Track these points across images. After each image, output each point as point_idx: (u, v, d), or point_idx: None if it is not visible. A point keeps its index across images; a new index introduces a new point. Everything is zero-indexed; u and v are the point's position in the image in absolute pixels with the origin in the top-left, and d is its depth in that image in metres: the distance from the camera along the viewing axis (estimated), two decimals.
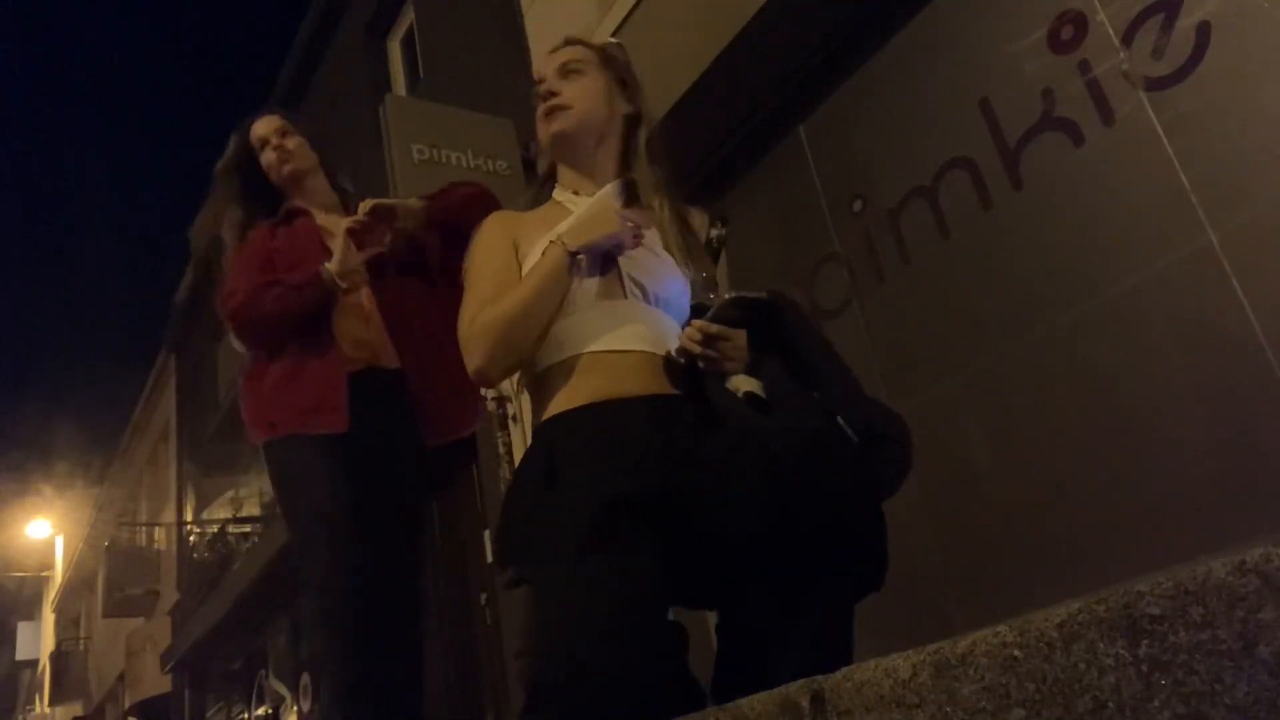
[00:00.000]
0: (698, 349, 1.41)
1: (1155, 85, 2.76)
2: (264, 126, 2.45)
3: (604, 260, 1.49)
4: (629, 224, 1.46)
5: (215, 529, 12.43)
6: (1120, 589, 0.66)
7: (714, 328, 1.41)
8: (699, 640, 1.35)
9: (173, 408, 14.87)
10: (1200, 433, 2.63)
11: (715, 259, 1.61)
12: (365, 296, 2.27)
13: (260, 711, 11.22)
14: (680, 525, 1.32)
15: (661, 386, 1.44)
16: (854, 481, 1.28)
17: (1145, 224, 2.78)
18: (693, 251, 1.57)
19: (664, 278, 1.53)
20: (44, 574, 24.69)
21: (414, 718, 2.13)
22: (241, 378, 2.33)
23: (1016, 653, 0.69)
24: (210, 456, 12.38)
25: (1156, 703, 0.62)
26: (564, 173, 1.65)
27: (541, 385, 1.51)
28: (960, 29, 3.40)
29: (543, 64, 1.66)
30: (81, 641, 21.51)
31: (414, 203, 2.32)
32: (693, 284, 1.56)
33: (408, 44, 8.38)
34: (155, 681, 14.35)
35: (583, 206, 1.56)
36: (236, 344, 2.29)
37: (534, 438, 1.49)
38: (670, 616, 1.31)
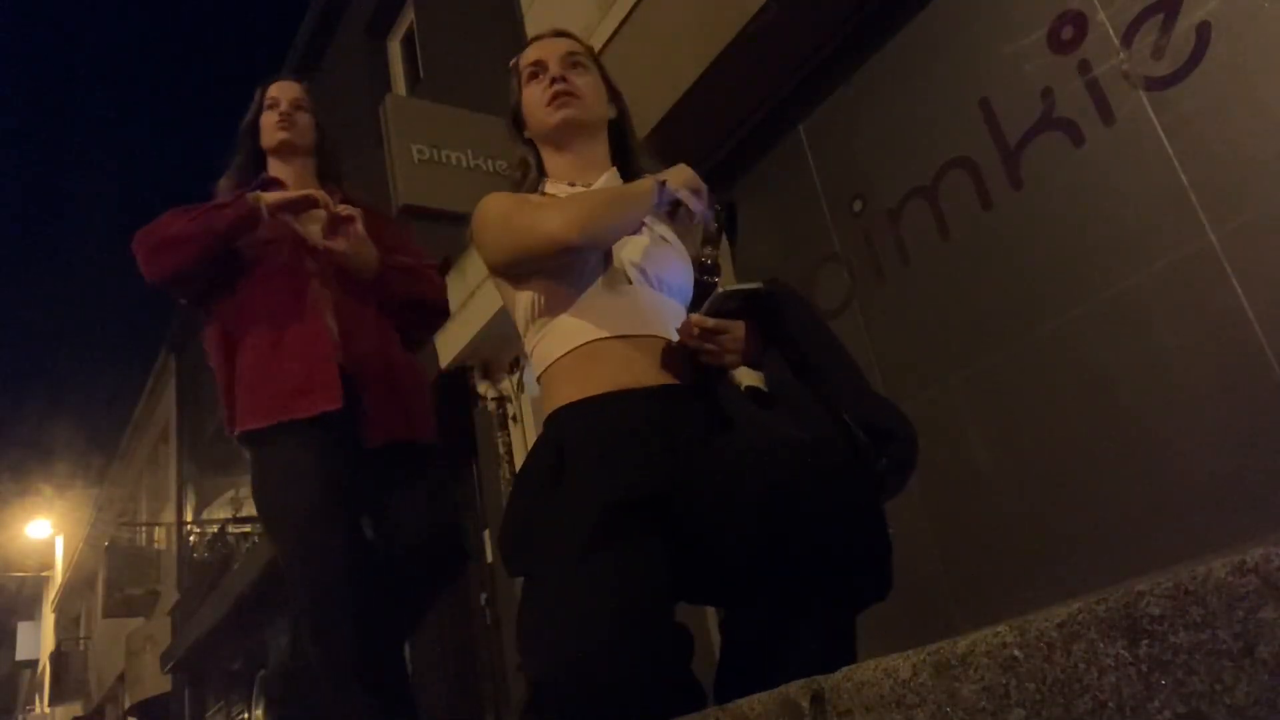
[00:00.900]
0: (695, 343, 1.41)
1: (1155, 85, 2.76)
2: (281, 90, 2.37)
3: (604, 252, 1.50)
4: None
5: (215, 529, 12.43)
6: (1120, 589, 0.66)
7: (710, 321, 1.41)
8: (701, 641, 1.35)
9: (173, 408, 14.87)
10: (1200, 433, 2.63)
11: (714, 244, 1.60)
12: (323, 294, 2.20)
13: (260, 711, 11.22)
14: (685, 522, 1.32)
15: (671, 376, 1.43)
16: (854, 493, 1.27)
17: (1145, 224, 2.78)
18: (692, 235, 1.59)
19: (667, 263, 1.53)
20: (44, 574, 24.70)
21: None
22: (211, 358, 2.22)
23: (1016, 653, 0.69)
24: (210, 456, 12.38)
25: (1156, 703, 0.62)
26: (557, 163, 1.62)
27: (552, 376, 1.49)
28: (960, 29, 3.40)
29: (541, 51, 1.64)
30: (81, 641, 21.51)
31: (371, 262, 2.24)
32: (695, 263, 1.56)
33: (408, 44, 8.38)
34: (155, 681, 14.35)
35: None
36: (147, 277, 2.12)
37: (544, 427, 1.48)
38: (676, 618, 1.31)
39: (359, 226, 2.17)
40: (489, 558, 6.27)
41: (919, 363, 3.48)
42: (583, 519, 1.28)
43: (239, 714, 12.14)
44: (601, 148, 1.63)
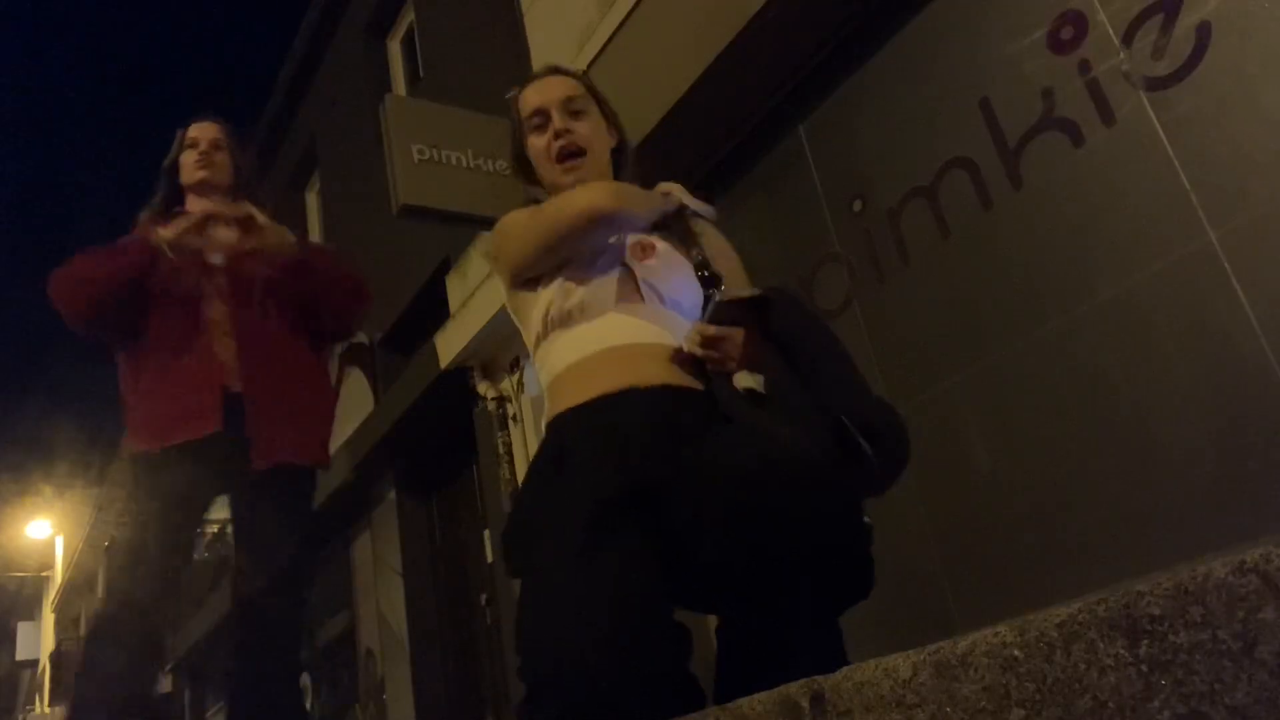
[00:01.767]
0: (699, 351, 1.44)
1: (1155, 85, 2.76)
2: (200, 130, 2.46)
3: (621, 268, 1.54)
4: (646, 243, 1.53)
5: (215, 529, 12.42)
6: (1120, 589, 0.66)
7: (711, 329, 1.45)
8: (701, 641, 1.34)
9: None
10: (1200, 433, 2.63)
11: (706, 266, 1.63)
12: (224, 315, 2.26)
13: None
14: (675, 519, 1.33)
15: (676, 377, 1.45)
16: (832, 494, 1.32)
17: (1145, 224, 2.78)
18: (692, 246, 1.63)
19: (676, 282, 1.56)
20: (44, 574, 24.69)
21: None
22: (121, 388, 2.28)
23: (1016, 653, 0.69)
24: None
25: (1156, 703, 0.62)
26: None
27: (560, 382, 1.52)
28: (960, 29, 3.40)
29: (542, 97, 1.64)
30: (81, 642, 21.49)
31: (288, 240, 2.40)
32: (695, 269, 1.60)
33: (408, 44, 8.38)
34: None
35: None
36: (66, 322, 2.21)
37: (547, 432, 1.51)
38: (675, 618, 1.31)
39: (259, 217, 2.34)
40: (489, 558, 6.27)
41: (919, 363, 3.48)
42: (576, 515, 1.29)
43: None
44: (606, 177, 1.66)
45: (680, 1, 4.18)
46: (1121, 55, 2.85)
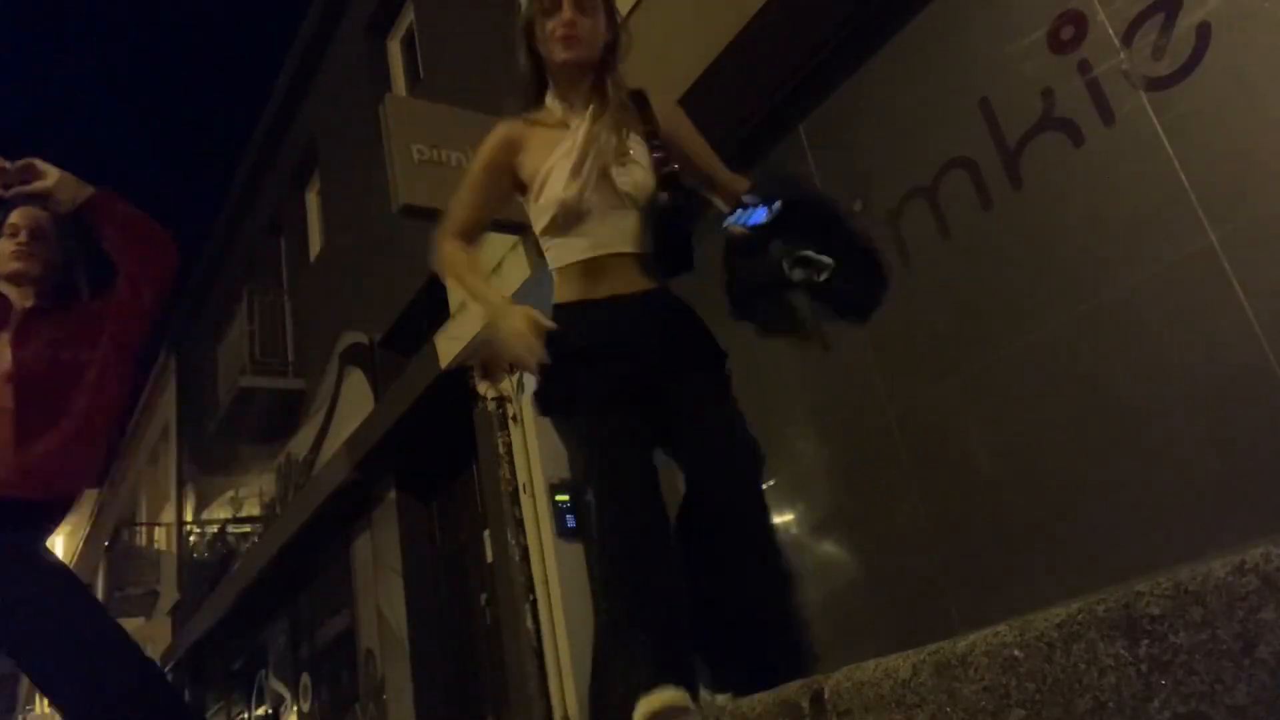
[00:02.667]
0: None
1: (1155, 85, 2.76)
2: (22, 216, 2.34)
3: (600, 176, 1.87)
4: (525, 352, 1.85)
5: (215, 529, 12.43)
6: (1120, 589, 0.66)
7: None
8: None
9: (173, 408, 14.87)
10: (1200, 433, 2.63)
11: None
12: None
13: (260, 711, 11.22)
14: (656, 388, 1.85)
15: (645, 284, 1.89)
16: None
17: (1145, 224, 2.78)
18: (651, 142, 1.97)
19: (645, 184, 1.90)
20: None
21: None
22: None
23: (1016, 653, 0.69)
24: (210, 456, 12.39)
25: (1156, 703, 0.62)
26: (558, 89, 1.98)
27: (563, 277, 1.92)
28: (960, 29, 3.40)
29: None
30: None
31: (77, 188, 2.19)
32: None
33: (408, 44, 8.38)
34: None
35: (575, 124, 1.92)
36: None
37: (554, 315, 1.87)
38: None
39: (38, 164, 2.17)
40: (489, 558, 6.27)
41: (919, 363, 3.48)
42: (590, 394, 1.80)
43: (239, 714, 12.14)
44: (590, 77, 1.95)
45: (680, 1, 4.18)
46: (1121, 55, 2.85)
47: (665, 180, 1.90)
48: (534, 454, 5.58)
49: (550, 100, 1.98)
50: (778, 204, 1.87)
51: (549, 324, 1.82)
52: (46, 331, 2.24)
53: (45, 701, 22.60)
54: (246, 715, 11.75)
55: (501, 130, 1.97)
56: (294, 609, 10.18)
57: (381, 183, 5.15)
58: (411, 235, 6.78)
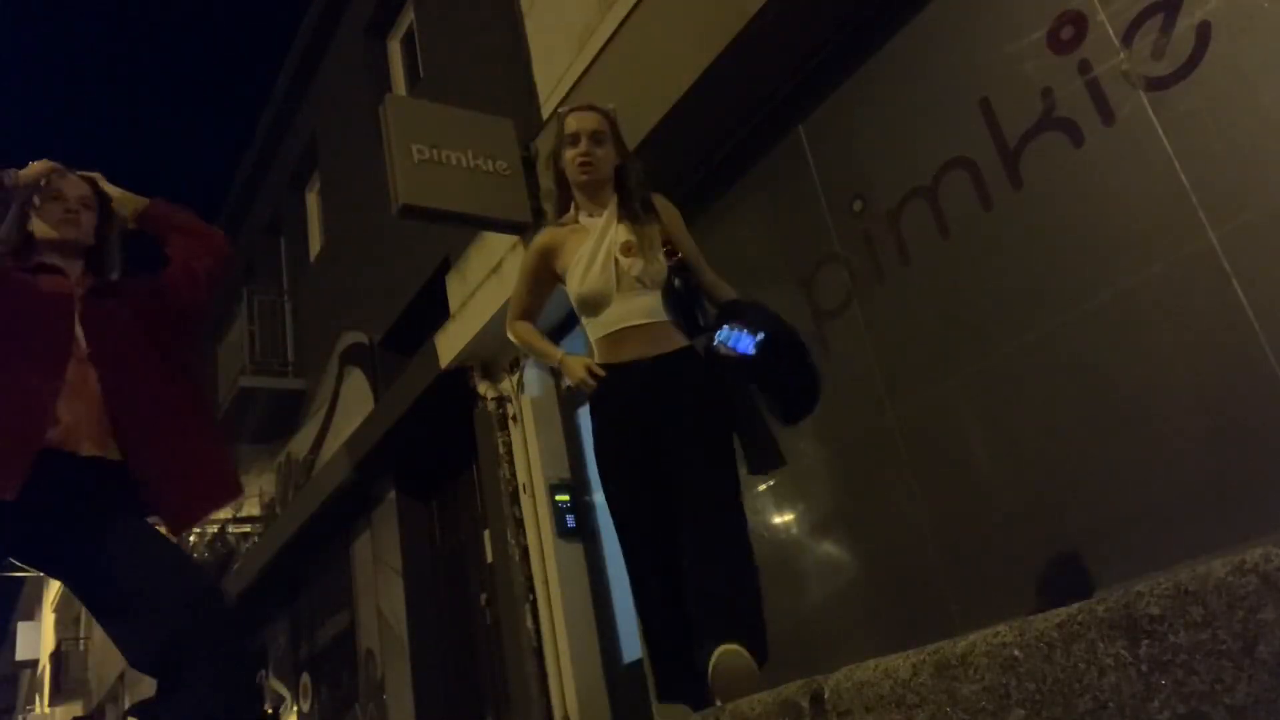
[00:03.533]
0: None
1: (1155, 85, 2.76)
2: (71, 186, 2.28)
3: (617, 267, 2.34)
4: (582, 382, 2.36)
5: (215, 529, 12.43)
6: (1120, 589, 0.66)
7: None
8: None
9: None
10: (1200, 433, 2.63)
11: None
12: (75, 372, 2.05)
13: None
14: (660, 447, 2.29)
15: (663, 347, 2.32)
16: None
17: (1145, 224, 2.78)
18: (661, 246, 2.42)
19: (655, 271, 2.36)
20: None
21: None
22: None
23: (1016, 653, 0.69)
24: None
25: (1156, 703, 0.62)
26: (581, 202, 2.49)
27: (594, 348, 2.40)
28: (960, 29, 3.40)
29: (579, 124, 2.45)
30: (81, 641, 21.50)
31: (135, 200, 2.30)
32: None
33: (408, 44, 8.38)
34: (155, 682, 14.32)
35: (595, 228, 2.42)
36: None
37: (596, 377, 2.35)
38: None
39: (104, 184, 2.25)
40: (489, 558, 6.27)
41: (919, 363, 3.48)
42: (612, 456, 2.34)
43: None
44: (608, 187, 2.48)
45: (680, 2, 4.18)
46: (1121, 55, 2.85)
47: (677, 266, 2.37)
48: (534, 454, 5.58)
49: (574, 210, 2.49)
50: (761, 337, 2.27)
51: (598, 369, 2.31)
52: (111, 308, 2.20)
53: (45, 701, 22.60)
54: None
55: (539, 240, 2.50)
56: (294, 609, 10.18)
57: (381, 183, 5.15)
58: (411, 235, 6.80)
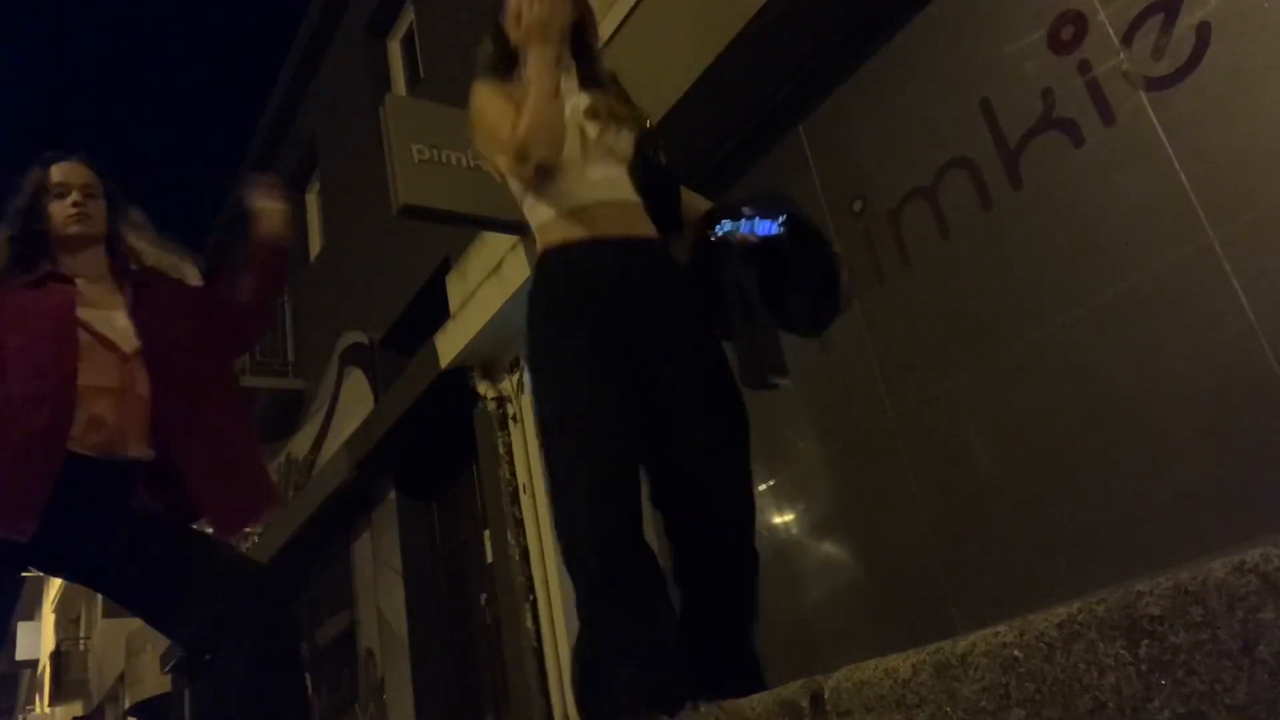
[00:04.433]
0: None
1: (1155, 85, 2.76)
2: (70, 173, 2.14)
3: (581, 134, 1.92)
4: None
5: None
6: (1120, 589, 0.66)
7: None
8: None
9: None
10: (1200, 433, 2.63)
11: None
12: (120, 375, 2.00)
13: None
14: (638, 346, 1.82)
15: (639, 230, 1.91)
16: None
17: (1145, 224, 2.78)
18: (633, 112, 2.07)
19: (624, 145, 1.97)
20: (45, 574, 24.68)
21: None
22: None
23: (1016, 653, 0.69)
24: None
25: (1156, 703, 0.62)
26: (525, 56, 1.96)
27: (545, 228, 1.93)
28: (960, 29, 3.39)
29: None
30: (81, 641, 21.51)
31: (286, 229, 2.32)
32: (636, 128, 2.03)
33: (408, 44, 8.38)
34: (155, 681, 14.34)
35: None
36: None
37: (540, 262, 1.92)
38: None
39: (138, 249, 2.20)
40: (489, 558, 6.27)
41: (919, 363, 3.47)
42: (573, 343, 1.78)
43: None
44: (560, 46, 1.95)
45: (680, 2, 4.18)
46: (1121, 55, 2.85)
47: (648, 137, 2.01)
48: (534, 454, 5.57)
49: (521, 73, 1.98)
50: (784, 218, 1.89)
51: None
52: (161, 301, 2.14)
53: (45, 701, 22.59)
54: None
55: (490, 84, 2.03)
56: (294, 609, 10.18)
57: (381, 183, 5.15)
58: (411, 235, 6.80)
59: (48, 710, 22.64)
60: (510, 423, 5.79)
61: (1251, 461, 2.49)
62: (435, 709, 7.02)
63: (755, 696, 0.92)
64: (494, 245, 5.55)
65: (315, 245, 10.14)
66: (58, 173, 2.14)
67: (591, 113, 1.96)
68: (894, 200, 3.57)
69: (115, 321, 2.05)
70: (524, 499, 5.56)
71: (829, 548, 3.84)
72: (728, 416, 1.83)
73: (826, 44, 3.88)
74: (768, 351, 1.81)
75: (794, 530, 3.99)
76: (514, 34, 1.95)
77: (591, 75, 2.05)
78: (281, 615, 2.05)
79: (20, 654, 26.67)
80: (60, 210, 2.11)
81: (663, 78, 4.13)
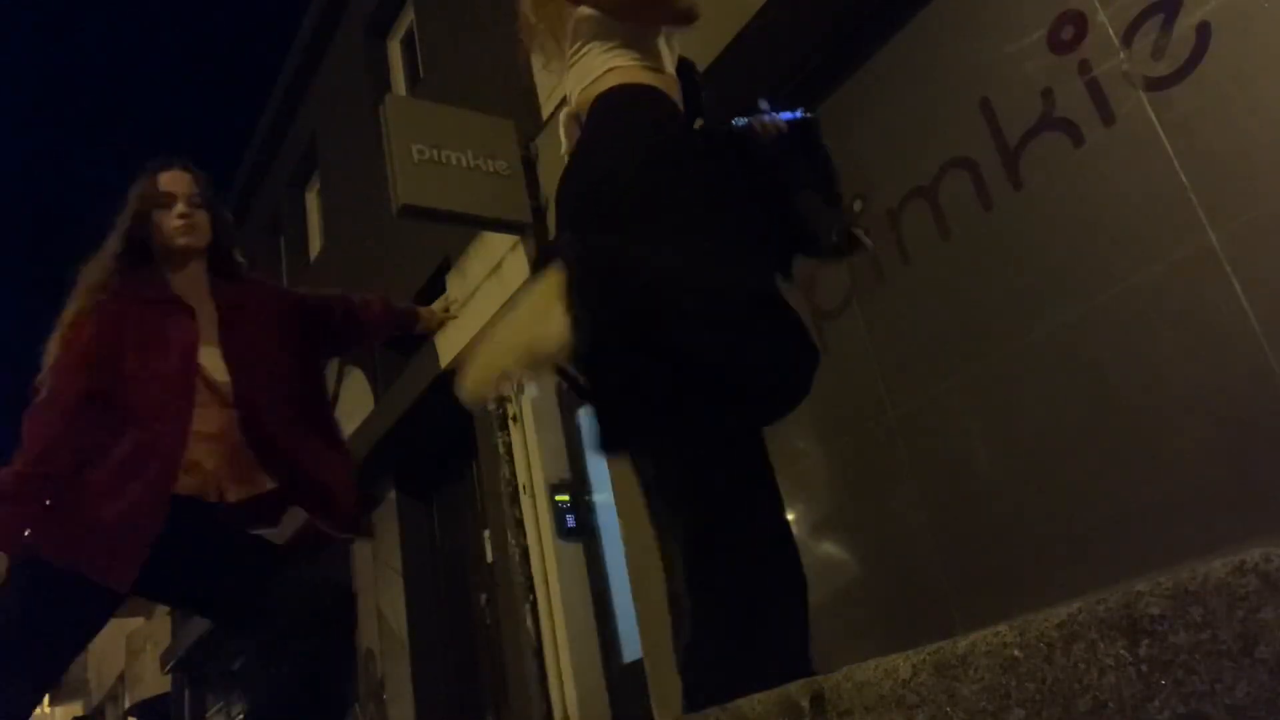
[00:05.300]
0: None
1: (1155, 85, 2.76)
2: (175, 182, 2.09)
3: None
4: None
5: None
6: (1120, 589, 0.66)
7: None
8: None
9: None
10: (1200, 433, 2.63)
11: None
12: (221, 422, 1.97)
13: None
14: None
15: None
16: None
17: (1145, 224, 2.78)
18: None
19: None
20: None
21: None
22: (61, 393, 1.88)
23: (1016, 653, 0.69)
24: None
25: (1156, 703, 0.62)
26: None
27: (623, 71, 1.81)
28: (960, 29, 3.40)
29: None
30: None
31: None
32: None
33: (408, 44, 8.38)
34: (155, 681, 14.35)
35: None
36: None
37: (639, 90, 1.79)
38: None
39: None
40: (489, 558, 6.27)
41: (919, 363, 3.48)
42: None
43: (239, 714, 12.14)
44: None
45: None
46: (1121, 55, 2.85)
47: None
48: (534, 454, 5.58)
49: None
50: (801, 110, 1.81)
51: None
52: (248, 319, 2.09)
53: (45, 701, 22.61)
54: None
55: None
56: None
57: (381, 183, 5.15)
58: (411, 235, 6.79)
59: (48, 710, 22.63)
60: (510, 423, 5.79)
61: (1251, 461, 2.49)
62: (435, 709, 7.02)
63: (755, 696, 0.92)
64: (494, 245, 5.55)
65: (315, 245, 10.14)
66: (164, 181, 2.08)
67: None
68: (894, 200, 3.57)
69: (216, 359, 2.02)
70: (524, 499, 5.56)
71: (829, 548, 3.84)
72: None
73: (826, 44, 3.88)
74: (835, 214, 1.77)
75: (794, 530, 3.98)
76: None
77: None
78: (338, 641, 2.04)
79: None
80: (168, 221, 2.04)
81: None
